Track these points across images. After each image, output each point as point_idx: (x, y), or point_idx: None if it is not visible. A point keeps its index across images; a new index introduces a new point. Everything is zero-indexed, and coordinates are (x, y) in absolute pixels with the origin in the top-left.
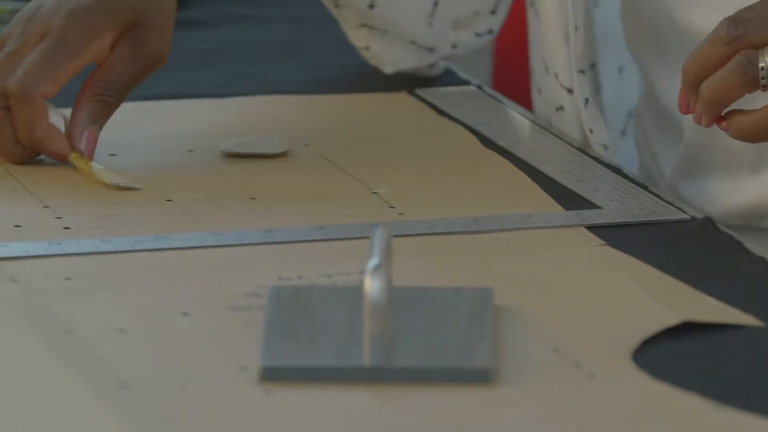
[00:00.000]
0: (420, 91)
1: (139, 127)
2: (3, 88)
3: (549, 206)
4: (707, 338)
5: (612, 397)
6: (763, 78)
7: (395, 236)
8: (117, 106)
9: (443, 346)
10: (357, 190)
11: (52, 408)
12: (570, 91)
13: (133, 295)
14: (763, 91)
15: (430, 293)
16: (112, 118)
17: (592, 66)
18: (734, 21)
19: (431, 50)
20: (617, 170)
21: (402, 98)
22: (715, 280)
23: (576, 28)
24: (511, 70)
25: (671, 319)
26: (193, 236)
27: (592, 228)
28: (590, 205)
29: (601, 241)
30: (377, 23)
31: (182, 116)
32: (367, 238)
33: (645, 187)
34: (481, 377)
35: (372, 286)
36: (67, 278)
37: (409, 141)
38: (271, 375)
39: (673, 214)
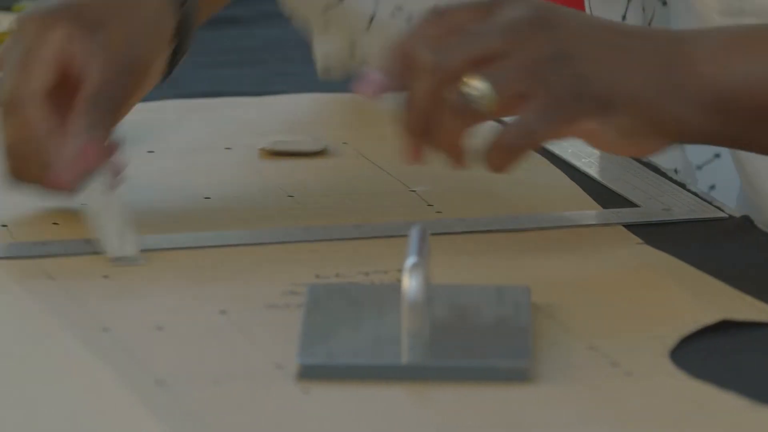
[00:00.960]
0: None
1: (178, 124)
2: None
3: (587, 204)
4: (745, 337)
5: (649, 396)
6: (474, 103)
7: (433, 234)
8: (112, 115)
9: (480, 344)
10: (395, 188)
11: (89, 406)
12: None
13: (170, 293)
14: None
15: (468, 291)
16: (150, 115)
17: None
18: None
19: None
20: (655, 168)
21: None
22: (753, 279)
23: None
24: None
25: (709, 318)
26: (231, 234)
27: (630, 226)
28: (628, 204)
29: (639, 240)
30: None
31: (221, 114)
32: (405, 236)
33: (683, 186)
34: (519, 375)
35: (410, 284)
36: (105, 276)
37: None
38: (309, 373)
39: (711, 213)
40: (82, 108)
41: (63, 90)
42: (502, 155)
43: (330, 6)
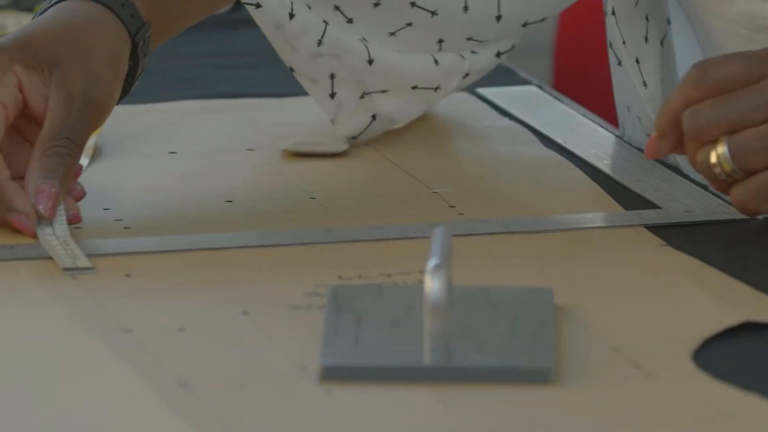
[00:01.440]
0: (481, 91)
1: (200, 126)
2: None
3: (609, 206)
4: None
5: (672, 397)
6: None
7: (455, 236)
8: (72, 156)
9: (503, 345)
10: (417, 189)
11: (112, 407)
12: None
13: (193, 294)
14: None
15: (490, 292)
16: (172, 116)
17: None
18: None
19: (437, 89)
20: (677, 170)
21: (463, 98)
22: None
23: (645, 84)
24: (571, 69)
25: (732, 319)
26: (253, 235)
27: (652, 228)
28: (650, 205)
29: (662, 242)
30: (377, 82)
31: (243, 115)
32: (427, 237)
33: (705, 187)
34: (541, 377)
35: (432, 285)
36: (127, 277)
37: (469, 140)
38: (332, 374)
39: (733, 214)
40: (38, 153)
41: (25, 122)
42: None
43: (319, 54)
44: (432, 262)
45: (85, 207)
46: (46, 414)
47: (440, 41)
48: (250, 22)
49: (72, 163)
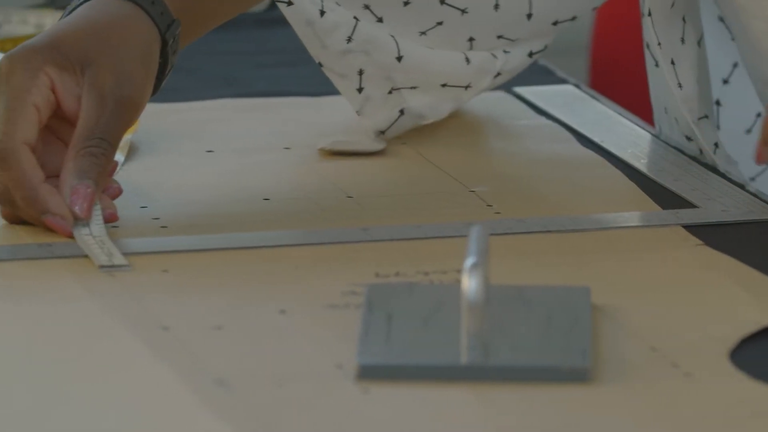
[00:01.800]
0: (518, 90)
1: (237, 124)
2: None
3: (646, 205)
4: None
5: (709, 397)
6: None
7: (492, 235)
8: (106, 156)
9: (540, 344)
10: (454, 188)
11: (150, 405)
12: (689, 138)
13: (230, 292)
14: None
15: (527, 292)
16: (209, 114)
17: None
18: None
19: (467, 87)
20: (714, 169)
21: (500, 97)
22: None
23: (680, 85)
24: (608, 68)
25: None
26: (290, 234)
27: (689, 227)
28: (687, 205)
29: (699, 241)
30: (406, 79)
31: (280, 114)
32: (464, 236)
33: (742, 187)
34: (579, 376)
35: (469, 284)
36: (164, 275)
37: (506, 139)
38: (369, 373)
39: None
40: (72, 154)
41: (58, 122)
42: None
43: (349, 50)
44: (469, 261)
45: (122, 205)
46: (83, 411)
47: (471, 39)
48: (287, 21)
49: (106, 162)
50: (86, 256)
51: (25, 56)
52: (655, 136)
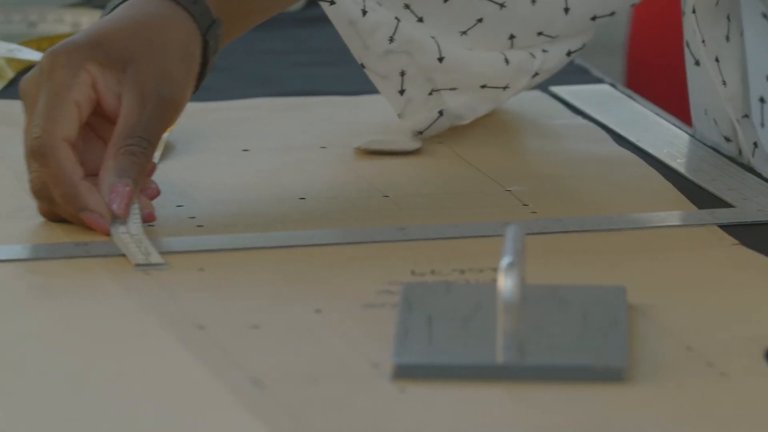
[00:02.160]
0: (554, 89)
1: (273, 123)
2: (28, 151)
3: (682, 205)
4: None
5: (745, 396)
6: None
7: (528, 234)
8: (146, 155)
9: (576, 344)
10: (490, 187)
11: (185, 404)
12: (728, 140)
13: (266, 291)
14: None
15: (563, 291)
16: (245, 113)
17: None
18: None
19: (505, 88)
20: (750, 169)
21: (536, 96)
22: None
23: (724, 82)
24: (645, 68)
25: None
26: (326, 233)
27: (725, 227)
28: (723, 204)
29: (735, 241)
30: (446, 80)
31: (316, 113)
32: (500, 235)
33: None
34: (614, 376)
35: (505, 283)
36: (201, 274)
37: (542, 138)
38: (405, 373)
39: None
40: (112, 152)
41: (99, 120)
42: None
43: (390, 51)
44: (505, 261)
45: (158, 204)
46: (119, 409)
47: (512, 37)
48: (324, 20)
49: (145, 161)
50: (123, 255)
51: (67, 53)
52: (692, 135)
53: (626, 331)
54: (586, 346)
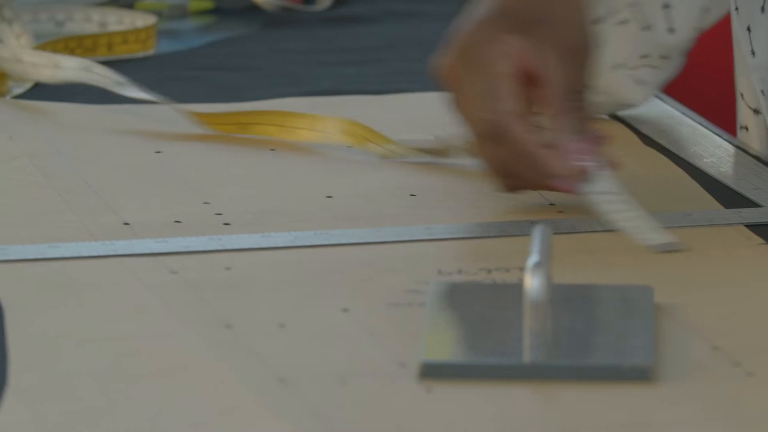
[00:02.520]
0: None
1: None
2: (479, 134)
3: (709, 204)
4: None
5: None
6: None
7: (555, 233)
8: (583, 108)
9: (603, 343)
10: None
11: (213, 404)
12: (756, 111)
13: (292, 291)
14: None
15: (590, 290)
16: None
17: None
18: None
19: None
20: None
21: None
22: None
23: (753, 52)
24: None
25: None
26: (353, 233)
27: (752, 227)
28: (750, 204)
29: (762, 240)
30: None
31: (343, 112)
32: (526, 235)
33: None
34: (642, 375)
35: (532, 283)
36: (227, 273)
37: None
38: (432, 372)
39: None
40: (558, 112)
41: (527, 87)
42: None
43: None
44: (532, 260)
45: (186, 201)
46: (146, 408)
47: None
48: (350, 19)
49: (585, 114)
50: (150, 254)
51: (483, 29)
52: (718, 135)
53: (653, 330)
54: (613, 345)
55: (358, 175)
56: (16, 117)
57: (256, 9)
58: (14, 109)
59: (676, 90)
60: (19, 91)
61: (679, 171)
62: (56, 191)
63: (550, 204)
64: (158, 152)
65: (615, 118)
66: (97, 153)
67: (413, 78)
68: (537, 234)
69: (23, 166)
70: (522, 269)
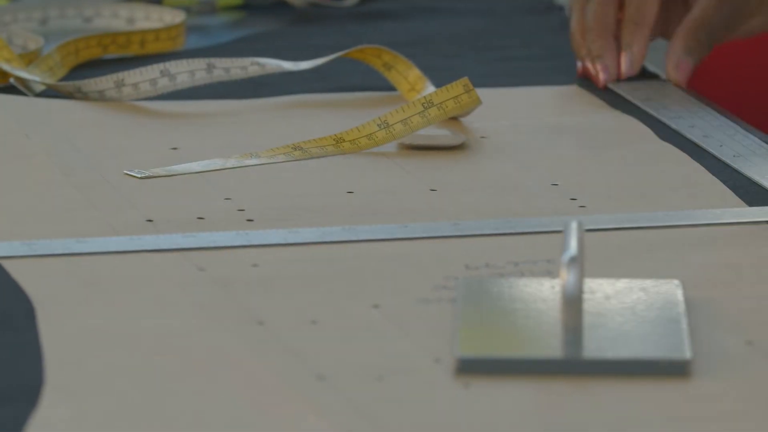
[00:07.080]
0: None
1: (321, 118)
2: None
3: (733, 201)
4: None
5: None
6: None
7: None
8: (705, 52)
9: (637, 338)
10: (536, 181)
11: (250, 401)
12: None
13: (322, 286)
14: None
15: (621, 285)
16: (296, 108)
17: None
18: None
19: None
20: None
21: (578, 91)
22: None
23: None
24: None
25: None
26: (381, 228)
27: None
28: None
29: None
30: None
31: (364, 109)
32: (551, 230)
33: None
34: (679, 369)
35: (568, 278)
36: (256, 269)
37: (583, 133)
38: (468, 368)
39: None
40: (682, 33)
41: None
42: None
43: None
44: (567, 255)
45: (207, 197)
46: (183, 406)
47: None
48: (379, 16)
49: (705, 51)
50: (175, 250)
51: None
52: (744, 129)
53: (687, 325)
54: (648, 340)
55: (377, 170)
56: (33, 114)
57: (284, 5)
58: (30, 106)
59: (706, 85)
60: (41, 88)
61: (699, 167)
62: (76, 188)
63: (572, 199)
64: (174, 149)
65: (636, 112)
66: (115, 150)
67: (437, 74)
68: (570, 229)
69: (41, 164)
70: (549, 262)
